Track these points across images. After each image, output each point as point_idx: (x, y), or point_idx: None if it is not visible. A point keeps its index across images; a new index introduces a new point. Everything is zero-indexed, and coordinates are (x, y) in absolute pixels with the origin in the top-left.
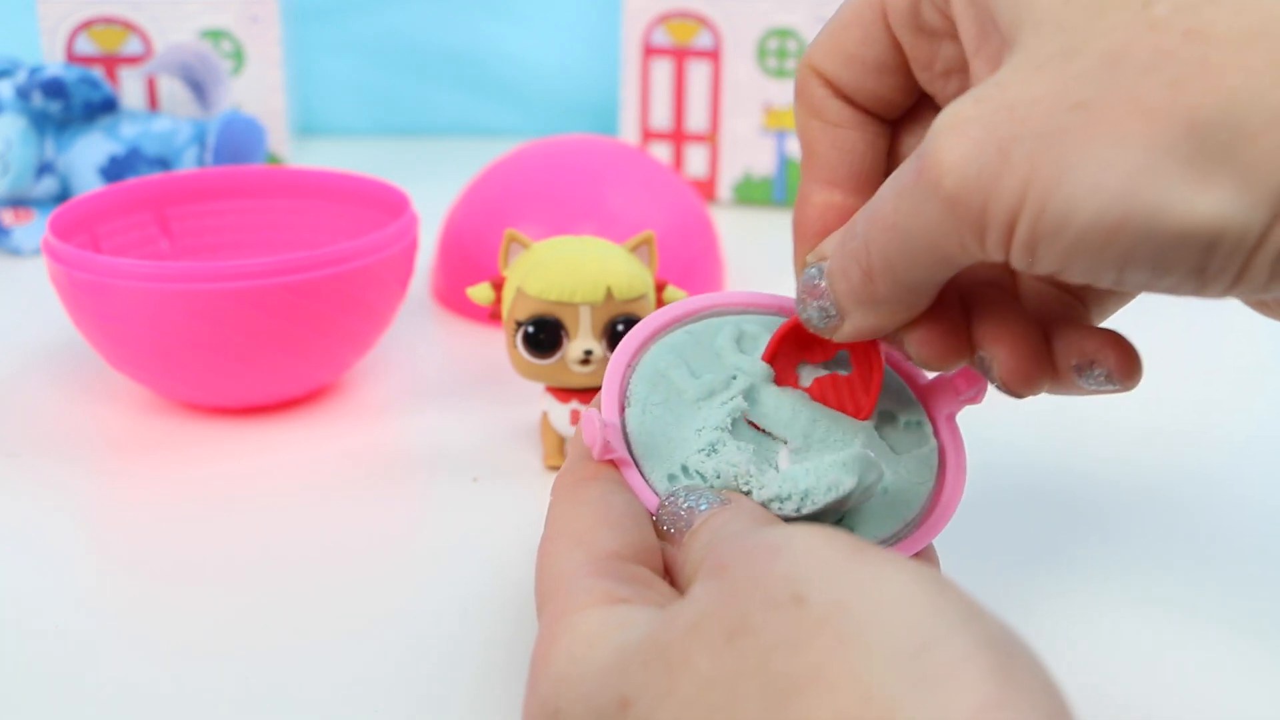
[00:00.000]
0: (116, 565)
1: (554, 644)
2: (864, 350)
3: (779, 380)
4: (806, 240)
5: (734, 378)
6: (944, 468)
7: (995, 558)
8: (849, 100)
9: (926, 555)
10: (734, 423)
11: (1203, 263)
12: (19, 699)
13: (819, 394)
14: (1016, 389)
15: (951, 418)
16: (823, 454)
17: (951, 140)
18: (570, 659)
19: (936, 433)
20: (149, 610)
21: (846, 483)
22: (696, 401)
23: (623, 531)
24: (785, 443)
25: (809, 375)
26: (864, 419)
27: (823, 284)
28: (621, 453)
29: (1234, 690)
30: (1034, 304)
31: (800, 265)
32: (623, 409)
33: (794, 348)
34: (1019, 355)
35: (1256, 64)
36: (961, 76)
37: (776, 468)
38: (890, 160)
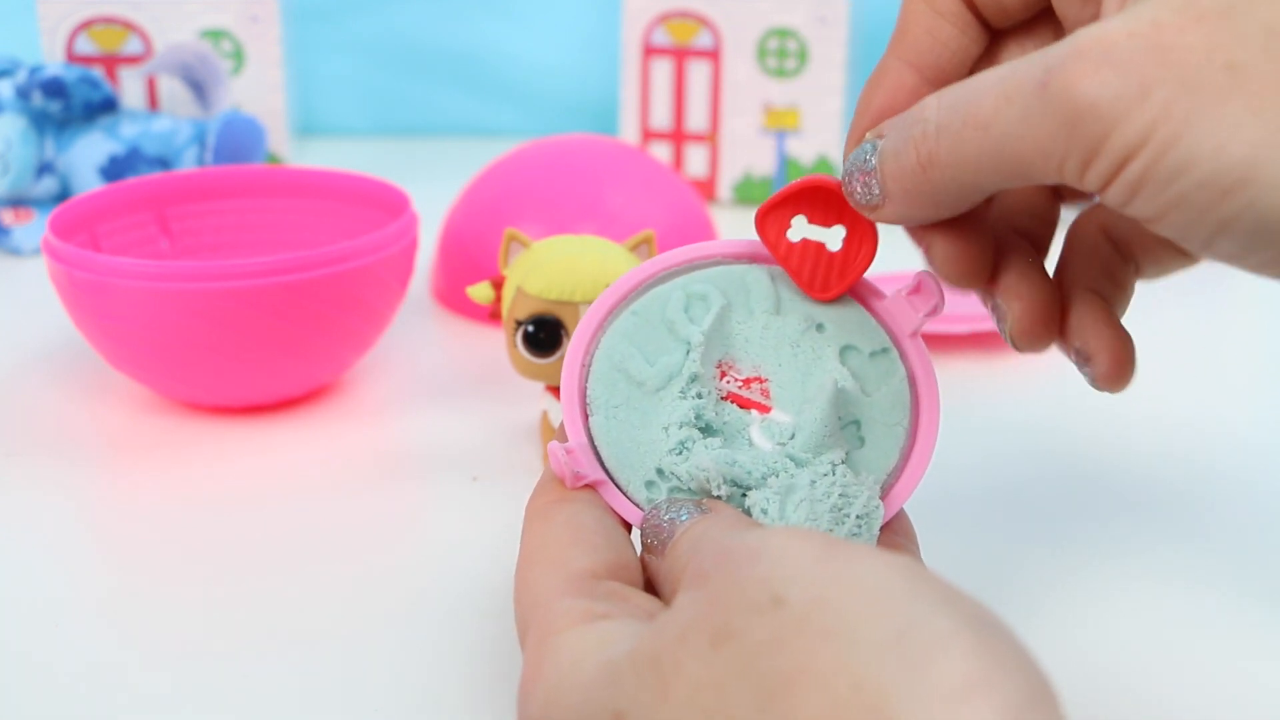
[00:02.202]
0: (116, 564)
1: (539, 667)
2: (861, 236)
3: (766, 233)
4: (870, 114)
5: (688, 352)
6: (916, 399)
7: (994, 544)
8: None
9: (905, 533)
10: (699, 414)
11: None
12: (19, 698)
13: (798, 253)
14: (1022, 345)
15: (916, 335)
16: (794, 401)
17: (1096, 62)
18: (557, 679)
19: (903, 356)
20: (149, 609)
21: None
22: (657, 391)
23: (594, 550)
24: (755, 414)
25: (800, 232)
26: (825, 299)
27: (874, 161)
28: (594, 474)
29: (1232, 671)
30: (1081, 255)
31: (857, 137)
32: (586, 418)
33: (802, 203)
34: (1034, 317)
35: None
36: (1097, 4)
37: (750, 442)
38: (980, 67)
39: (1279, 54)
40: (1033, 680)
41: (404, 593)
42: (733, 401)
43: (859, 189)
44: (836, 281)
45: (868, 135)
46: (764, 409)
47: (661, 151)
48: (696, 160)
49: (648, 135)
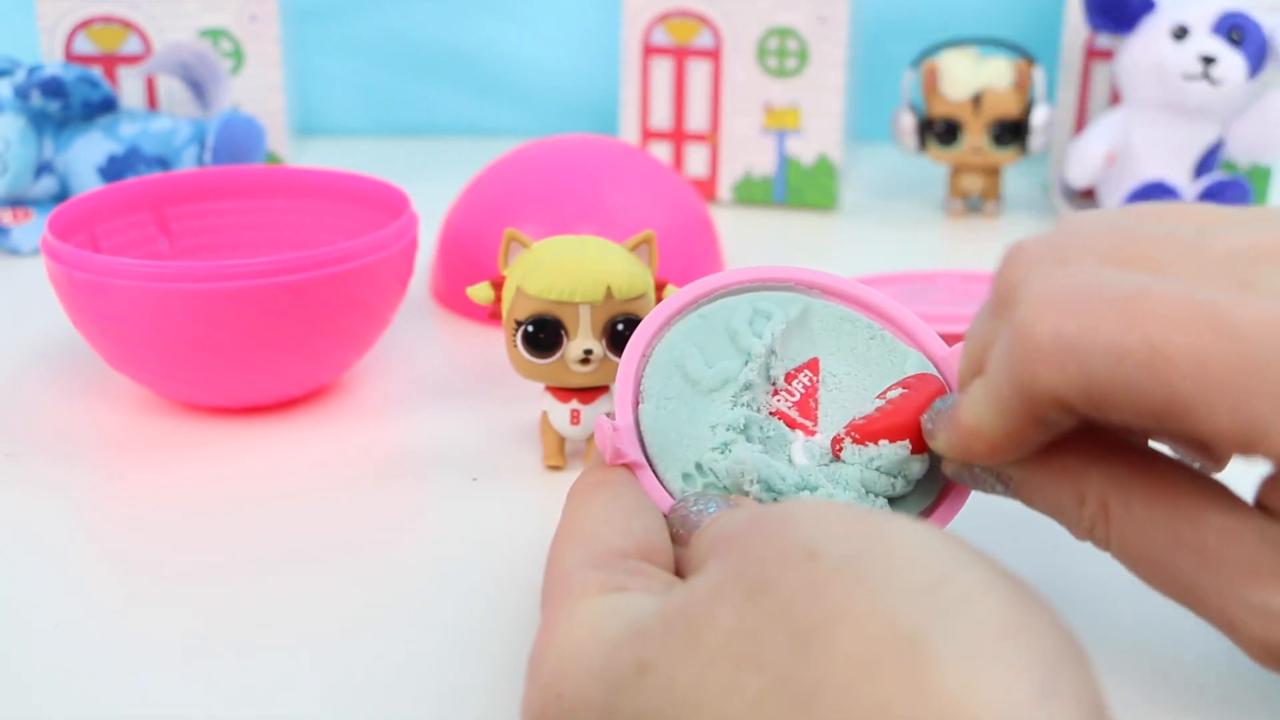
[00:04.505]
0: (116, 565)
1: (554, 632)
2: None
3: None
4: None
5: (746, 363)
6: None
7: (995, 542)
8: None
9: None
10: (748, 423)
11: None
12: (19, 698)
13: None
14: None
15: None
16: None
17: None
18: (573, 643)
19: None
20: (149, 609)
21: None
22: (710, 392)
23: (627, 531)
24: (800, 432)
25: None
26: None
27: (998, 487)
28: (634, 455)
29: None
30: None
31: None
32: (637, 404)
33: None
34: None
35: None
36: None
37: (790, 460)
38: None
39: None
40: (1063, 633)
41: (402, 593)
42: (780, 419)
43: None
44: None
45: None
46: (809, 431)
47: (661, 151)
48: (696, 160)
49: (648, 135)
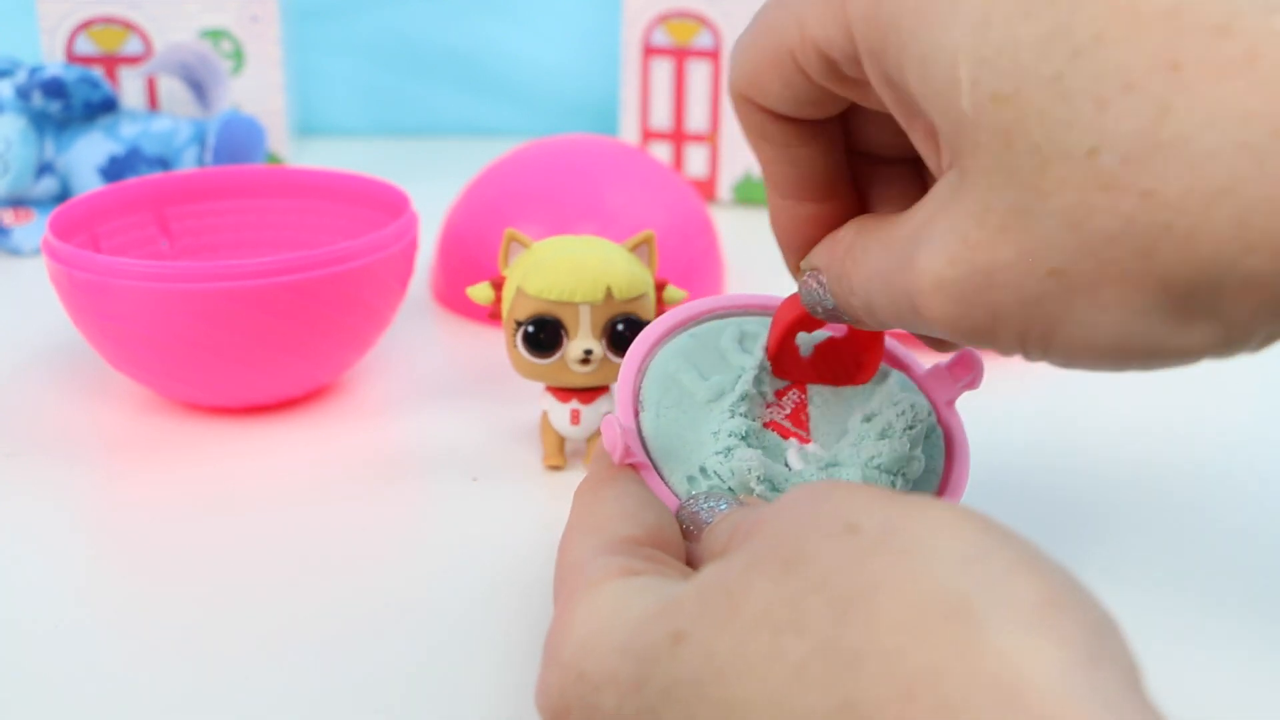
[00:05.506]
0: (116, 565)
1: (574, 613)
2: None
3: (782, 369)
4: (792, 249)
5: (740, 376)
6: (949, 457)
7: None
8: (789, 119)
9: None
10: (748, 431)
11: (1198, 359)
12: (19, 699)
13: (820, 361)
14: None
15: (951, 404)
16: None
17: (939, 301)
18: (596, 621)
19: (940, 421)
20: (148, 610)
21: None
22: (707, 403)
23: (640, 522)
24: (795, 439)
25: (808, 345)
26: (863, 382)
27: (823, 292)
28: (640, 457)
29: (1233, 680)
30: None
31: (794, 268)
32: (637, 413)
33: (794, 328)
34: None
35: (1223, 231)
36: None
37: (787, 465)
38: (854, 140)
39: (1092, 248)
40: (1101, 607)
41: (402, 593)
42: (774, 430)
43: (823, 314)
44: (868, 359)
45: (802, 266)
46: (803, 439)
47: (661, 151)
48: (696, 160)
49: (648, 135)
